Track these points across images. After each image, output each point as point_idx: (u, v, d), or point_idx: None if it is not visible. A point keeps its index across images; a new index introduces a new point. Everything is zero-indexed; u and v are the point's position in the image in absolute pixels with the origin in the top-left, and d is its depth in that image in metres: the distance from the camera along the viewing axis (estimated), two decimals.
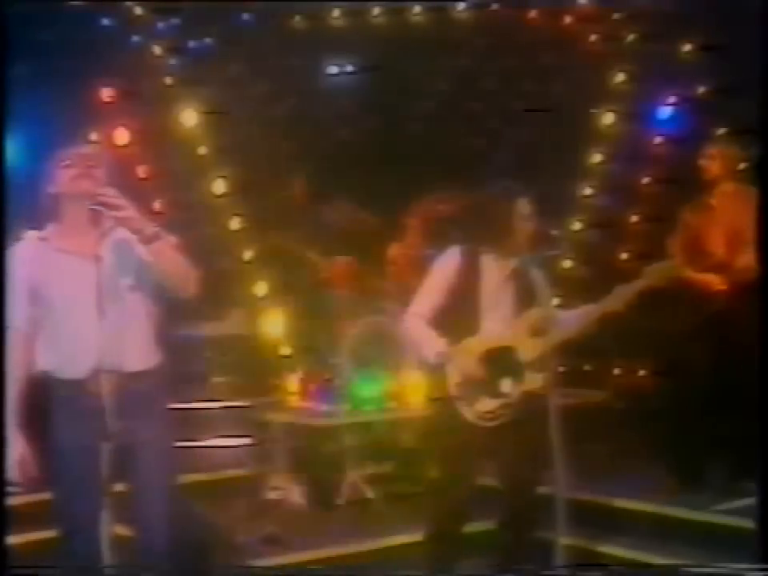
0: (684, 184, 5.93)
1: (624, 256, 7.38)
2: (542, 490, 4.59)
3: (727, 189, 5.27)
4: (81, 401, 3.47)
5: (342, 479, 5.65)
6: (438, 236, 6.15)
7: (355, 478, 5.66)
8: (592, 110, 7.48)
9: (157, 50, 7.05)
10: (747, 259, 4.98)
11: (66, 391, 3.53)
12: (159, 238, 3.42)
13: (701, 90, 7.34)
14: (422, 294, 4.35)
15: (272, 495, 5.79)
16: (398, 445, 5.91)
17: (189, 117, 6.93)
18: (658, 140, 7.59)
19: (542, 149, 7.28)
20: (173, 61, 7.07)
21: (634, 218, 7.39)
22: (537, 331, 4.21)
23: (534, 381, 4.20)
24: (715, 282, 5.19)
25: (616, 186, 7.47)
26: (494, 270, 4.29)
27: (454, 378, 4.21)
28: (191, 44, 7.24)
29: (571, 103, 7.27)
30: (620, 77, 7.55)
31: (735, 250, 5.14)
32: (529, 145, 7.47)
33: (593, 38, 7.69)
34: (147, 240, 3.39)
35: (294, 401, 6.24)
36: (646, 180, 7.50)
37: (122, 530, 3.63)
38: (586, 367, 6.95)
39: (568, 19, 7.71)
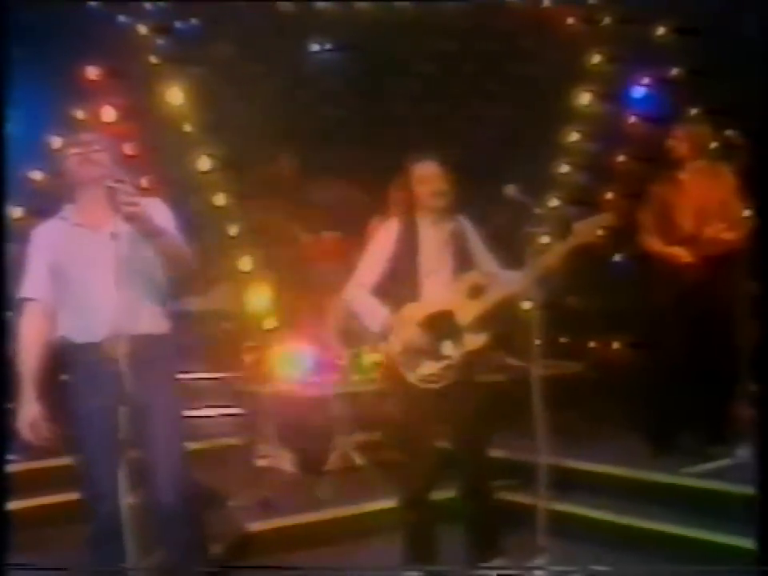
0: (657, 162, 6.09)
1: (600, 232, 7.53)
2: (522, 457, 4.77)
3: (697, 166, 5.35)
4: (98, 365, 3.61)
5: (330, 447, 5.77)
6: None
7: (344, 446, 5.77)
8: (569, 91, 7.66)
9: (143, 29, 7.14)
10: (714, 232, 5.18)
11: (84, 355, 3.70)
12: (162, 234, 3.60)
13: (674, 71, 7.52)
14: (364, 265, 4.40)
15: (261, 463, 5.95)
16: (383, 414, 6.02)
17: (175, 95, 7.05)
18: (632, 119, 7.74)
19: (521, 128, 7.39)
20: (159, 41, 7.16)
21: (610, 195, 7.49)
22: (475, 292, 4.30)
23: (475, 341, 4.30)
24: (684, 254, 5.28)
25: (592, 164, 7.63)
26: (431, 236, 4.37)
27: (396, 345, 4.28)
28: (178, 24, 7.32)
29: (549, 84, 7.40)
30: (596, 58, 7.73)
31: (703, 224, 5.24)
32: (509, 124, 7.62)
33: (570, 21, 7.84)
34: (148, 235, 3.58)
35: (280, 373, 6.36)
36: (621, 158, 7.63)
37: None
38: (563, 340, 7.13)
39: (546, 3, 7.87)
